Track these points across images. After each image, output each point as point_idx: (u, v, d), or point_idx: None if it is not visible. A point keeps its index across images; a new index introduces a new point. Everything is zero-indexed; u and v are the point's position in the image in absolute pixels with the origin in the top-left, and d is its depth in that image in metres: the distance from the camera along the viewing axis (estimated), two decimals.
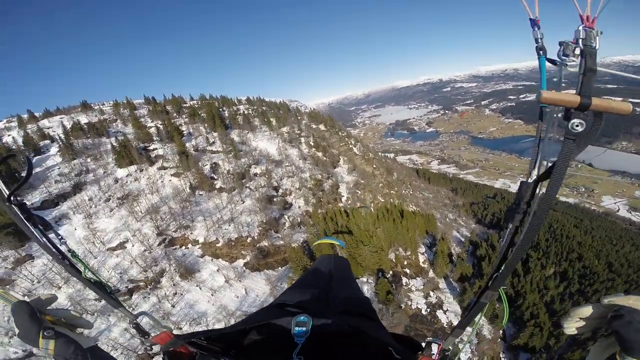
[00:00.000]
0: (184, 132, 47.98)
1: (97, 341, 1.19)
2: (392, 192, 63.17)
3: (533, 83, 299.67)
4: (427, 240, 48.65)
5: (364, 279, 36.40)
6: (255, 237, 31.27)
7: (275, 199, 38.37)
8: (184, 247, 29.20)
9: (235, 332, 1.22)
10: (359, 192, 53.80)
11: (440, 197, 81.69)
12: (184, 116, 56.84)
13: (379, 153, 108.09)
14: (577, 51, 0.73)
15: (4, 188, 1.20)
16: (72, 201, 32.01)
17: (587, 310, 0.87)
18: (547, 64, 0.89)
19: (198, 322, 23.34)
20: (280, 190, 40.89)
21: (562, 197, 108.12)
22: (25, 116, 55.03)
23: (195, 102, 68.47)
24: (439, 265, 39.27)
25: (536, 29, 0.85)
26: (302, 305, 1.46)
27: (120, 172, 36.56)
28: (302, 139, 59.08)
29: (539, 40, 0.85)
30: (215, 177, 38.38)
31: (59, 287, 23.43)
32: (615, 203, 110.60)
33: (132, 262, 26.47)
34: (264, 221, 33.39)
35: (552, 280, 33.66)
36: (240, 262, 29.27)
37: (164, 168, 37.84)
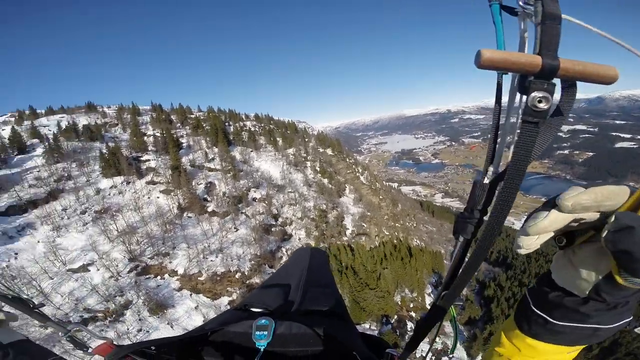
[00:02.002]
0: (183, 145, 44.67)
1: (24, 335, 1.01)
2: (397, 225, 60.03)
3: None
4: (434, 278, 47.07)
5: (367, 326, 32.36)
6: (246, 273, 27.10)
7: (273, 229, 34.36)
8: (159, 277, 25.02)
9: (189, 339, 1.10)
10: (365, 225, 50.12)
11: (443, 232, 78.66)
12: (187, 127, 53.82)
13: (385, 183, 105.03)
14: None
15: None
16: (43, 209, 28.16)
17: (551, 222, 0.56)
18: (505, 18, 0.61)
19: None
20: (280, 219, 36.93)
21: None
22: (27, 112, 52.88)
23: (201, 113, 65.88)
24: None
25: None
26: (266, 306, 1.37)
27: (104, 183, 32.85)
28: (308, 163, 55.75)
29: None
30: (209, 199, 34.50)
31: None
32: None
33: (92, 290, 22.33)
34: (258, 254, 29.27)
35: None
36: (224, 300, 25.06)
37: (154, 183, 34.10)
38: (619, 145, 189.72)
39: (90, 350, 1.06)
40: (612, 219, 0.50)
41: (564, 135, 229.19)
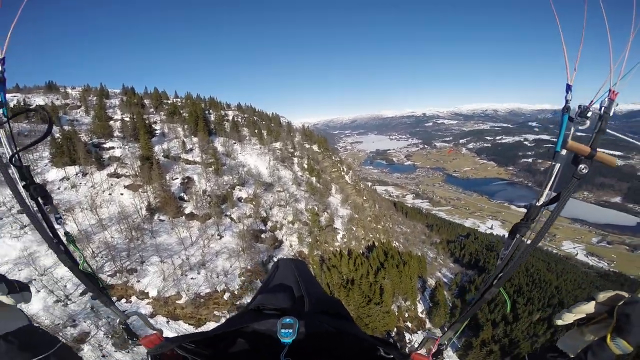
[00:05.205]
0: (156, 132, 38.23)
1: (28, 319, 1.01)
2: (378, 226, 56.86)
3: (509, 125, 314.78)
4: (419, 284, 45.04)
5: None
6: (236, 292, 21.84)
7: (263, 235, 29.20)
8: (123, 301, 19.29)
9: (220, 336, 1.17)
10: (354, 229, 46.22)
11: (416, 233, 77.04)
12: (162, 113, 47.20)
13: (367, 183, 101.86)
14: (589, 114, 0.90)
15: (7, 146, 0.92)
16: None
17: (589, 307, 0.92)
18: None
19: None
20: (270, 223, 31.77)
21: (528, 240, 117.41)
22: None
23: (179, 99, 58.98)
24: (438, 315, 36.86)
25: (569, 92, 0.96)
26: (282, 307, 1.37)
27: (54, 174, 26.21)
28: (295, 160, 50.82)
29: (568, 101, 0.96)
30: (186, 198, 28.60)
31: None
32: (574, 248, 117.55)
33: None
34: (249, 267, 24.05)
35: (541, 327, 33.57)
36: (211, 327, 19.73)
37: (117, 175, 27.73)
38: None
39: (137, 340, 1.08)
40: (629, 296, 0.83)
41: (529, 144, 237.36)
